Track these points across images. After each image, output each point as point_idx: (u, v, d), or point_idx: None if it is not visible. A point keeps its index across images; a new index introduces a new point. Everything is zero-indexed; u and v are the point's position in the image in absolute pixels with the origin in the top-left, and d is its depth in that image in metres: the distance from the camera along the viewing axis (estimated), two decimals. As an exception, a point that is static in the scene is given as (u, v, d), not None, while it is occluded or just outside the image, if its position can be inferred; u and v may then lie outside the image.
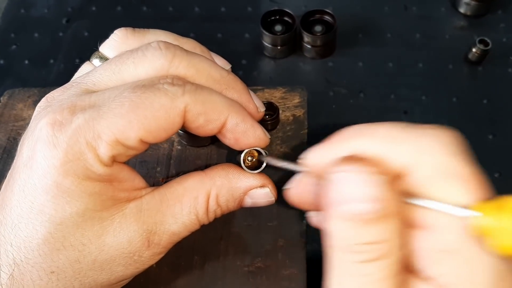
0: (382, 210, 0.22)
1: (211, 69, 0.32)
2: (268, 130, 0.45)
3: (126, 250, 0.30)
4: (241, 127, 0.32)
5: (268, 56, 0.55)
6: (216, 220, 0.40)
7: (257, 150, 0.34)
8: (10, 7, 0.61)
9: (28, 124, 0.32)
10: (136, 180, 0.32)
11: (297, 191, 0.32)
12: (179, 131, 0.43)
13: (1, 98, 0.49)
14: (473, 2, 0.55)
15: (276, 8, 0.54)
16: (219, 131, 0.32)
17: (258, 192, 0.34)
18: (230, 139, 0.33)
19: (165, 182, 0.34)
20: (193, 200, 0.32)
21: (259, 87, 0.47)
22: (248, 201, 0.34)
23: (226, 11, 0.59)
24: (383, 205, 0.22)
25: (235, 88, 0.33)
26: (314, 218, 0.33)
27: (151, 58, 0.30)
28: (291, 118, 0.45)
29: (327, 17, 0.53)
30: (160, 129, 0.29)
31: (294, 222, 0.40)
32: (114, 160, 0.29)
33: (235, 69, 0.54)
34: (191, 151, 0.44)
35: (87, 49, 0.57)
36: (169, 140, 0.44)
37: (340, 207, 0.22)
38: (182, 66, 0.31)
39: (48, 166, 0.27)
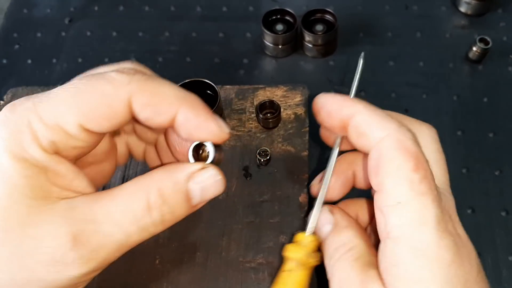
0: (336, 228, 0.35)
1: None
2: (270, 128, 0.45)
3: (48, 243, 0.27)
4: (194, 122, 0.30)
5: (270, 55, 0.55)
6: (219, 217, 0.41)
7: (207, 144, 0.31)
8: (13, 7, 0.62)
9: None
10: (75, 181, 0.29)
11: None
12: None
13: (5, 97, 0.49)
14: (473, 1, 0.56)
15: (277, 7, 0.54)
16: (171, 125, 0.30)
17: (201, 174, 0.30)
18: (182, 132, 0.30)
19: None
20: (128, 198, 0.29)
21: (260, 86, 0.48)
22: (196, 189, 0.30)
23: (228, 11, 0.60)
24: (336, 225, 0.35)
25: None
26: (316, 187, 0.38)
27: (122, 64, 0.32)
28: (293, 116, 0.46)
29: (328, 16, 0.54)
30: (101, 116, 0.28)
31: (296, 218, 0.41)
32: (56, 150, 0.28)
33: (237, 68, 0.55)
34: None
35: (89, 48, 0.58)
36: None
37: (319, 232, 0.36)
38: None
39: None
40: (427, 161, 0.31)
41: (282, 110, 0.45)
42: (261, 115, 0.44)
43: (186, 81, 0.44)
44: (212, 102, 0.43)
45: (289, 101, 0.46)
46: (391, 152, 0.31)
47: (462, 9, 0.57)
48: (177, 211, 0.30)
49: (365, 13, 0.58)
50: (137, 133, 0.36)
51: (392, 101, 0.51)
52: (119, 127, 0.29)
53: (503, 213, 0.44)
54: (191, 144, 0.31)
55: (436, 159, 0.35)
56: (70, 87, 0.28)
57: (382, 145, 0.31)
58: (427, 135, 0.36)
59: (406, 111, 0.50)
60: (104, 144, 0.34)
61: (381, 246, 0.31)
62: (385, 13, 0.58)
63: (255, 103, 0.46)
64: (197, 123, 0.30)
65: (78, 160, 0.32)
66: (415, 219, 0.30)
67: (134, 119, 0.30)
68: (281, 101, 0.46)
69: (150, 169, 0.32)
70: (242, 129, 0.45)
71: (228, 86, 0.48)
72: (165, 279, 0.38)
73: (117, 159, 0.36)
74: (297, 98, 0.47)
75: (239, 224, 0.40)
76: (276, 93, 0.47)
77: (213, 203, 0.41)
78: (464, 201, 0.45)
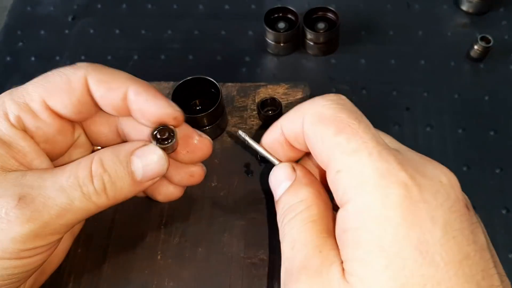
0: (294, 184, 0.32)
1: None
2: (271, 126, 0.45)
3: None
4: (143, 96, 0.33)
5: (271, 53, 0.55)
6: (220, 213, 0.41)
7: (166, 129, 0.34)
8: (17, 5, 0.62)
9: None
10: (36, 161, 0.32)
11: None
12: None
13: (8, 94, 0.49)
14: (475, 0, 0.56)
15: (279, 5, 0.55)
16: (124, 104, 0.33)
17: (143, 149, 0.33)
18: (135, 111, 0.33)
19: None
20: (74, 166, 0.31)
21: (262, 83, 0.48)
22: (137, 162, 0.32)
23: (230, 9, 0.60)
24: (295, 182, 0.32)
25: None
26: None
27: None
28: (294, 113, 0.46)
29: (330, 14, 0.54)
30: (61, 91, 0.32)
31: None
32: (23, 127, 0.32)
33: (239, 66, 0.55)
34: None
35: (92, 46, 0.58)
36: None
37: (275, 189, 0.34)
38: None
39: None
40: (353, 116, 0.29)
41: (283, 107, 0.45)
42: (262, 113, 0.45)
43: (188, 78, 0.44)
44: (214, 99, 0.43)
45: (290, 99, 0.47)
46: (310, 128, 0.30)
47: (464, 7, 0.57)
48: (118, 182, 0.32)
49: (367, 11, 0.58)
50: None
51: (394, 99, 0.51)
52: (78, 107, 0.33)
53: (504, 211, 0.44)
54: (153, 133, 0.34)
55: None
56: (41, 76, 0.33)
57: (304, 127, 0.30)
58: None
59: (407, 109, 0.50)
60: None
61: (336, 218, 0.29)
62: (387, 12, 0.58)
63: (256, 101, 0.47)
64: (147, 97, 0.33)
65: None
66: (356, 180, 0.27)
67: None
68: (282, 98, 0.46)
69: None
70: (244, 126, 0.46)
71: (230, 84, 0.48)
72: (167, 274, 0.39)
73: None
74: (299, 95, 0.47)
75: (241, 220, 0.41)
76: (277, 91, 0.47)
77: (215, 199, 0.42)
78: (465, 199, 0.45)
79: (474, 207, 0.45)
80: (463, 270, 0.24)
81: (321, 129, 0.29)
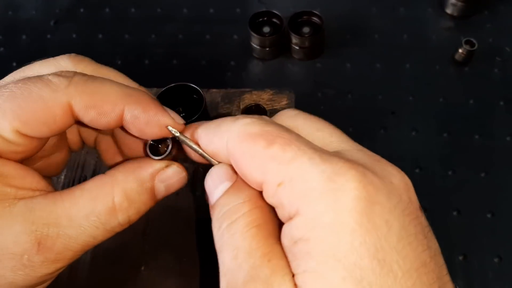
0: (235, 185, 0.28)
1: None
2: (256, 132, 0.45)
3: (11, 250, 0.27)
4: (143, 118, 0.29)
5: (257, 58, 0.55)
6: (207, 222, 0.41)
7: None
8: (-2, 9, 0.61)
9: None
10: (27, 179, 0.29)
11: None
12: None
13: (-12, 101, 0.48)
14: (459, 3, 0.56)
15: (264, 9, 0.54)
16: (119, 125, 0.29)
17: (167, 172, 0.30)
18: (133, 131, 0.30)
19: None
20: (91, 201, 0.28)
21: (247, 89, 0.47)
22: (161, 187, 0.30)
23: (215, 13, 0.59)
24: (236, 182, 0.28)
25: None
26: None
27: (58, 59, 0.31)
28: (279, 119, 0.46)
29: (315, 19, 0.54)
30: (38, 121, 0.27)
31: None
32: None
33: (224, 71, 0.54)
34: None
35: (75, 51, 0.57)
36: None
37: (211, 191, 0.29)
38: (88, 71, 0.30)
39: None
40: (282, 128, 0.26)
41: (268, 114, 0.45)
42: (247, 119, 0.44)
43: (171, 85, 0.43)
44: (198, 106, 0.43)
45: (275, 105, 0.46)
46: (236, 147, 0.27)
47: (449, 11, 0.57)
48: (142, 209, 0.30)
49: (352, 15, 0.58)
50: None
51: (379, 104, 0.51)
52: (61, 131, 0.29)
53: (489, 215, 0.44)
54: (148, 141, 0.31)
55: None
56: (4, 92, 0.27)
57: (228, 147, 0.27)
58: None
59: (392, 113, 0.50)
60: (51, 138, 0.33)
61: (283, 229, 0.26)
62: (372, 15, 0.58)
63: (241, 107, 0.46)
64: (147, 119, 0.29)
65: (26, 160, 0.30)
66: (300, 189, 0.24)
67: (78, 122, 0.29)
68: (267, 104, 0.46)
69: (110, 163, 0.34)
70: (229, 133, 0.45)
71: (214, 90, 0.47)
72: (150, 285, 0.38)
73: (70, 147, 0.35)
74: (284, 101, 0.46)
75: (225, 229, 0.40)
76: (262, 97, 0.47)
77: (200, 209, 0.41)
78: (450, 203, 0.45)
79: (459, 211, 0.45)
80: (421, 279, 0.23)
81: (248, 145, 0.26)
